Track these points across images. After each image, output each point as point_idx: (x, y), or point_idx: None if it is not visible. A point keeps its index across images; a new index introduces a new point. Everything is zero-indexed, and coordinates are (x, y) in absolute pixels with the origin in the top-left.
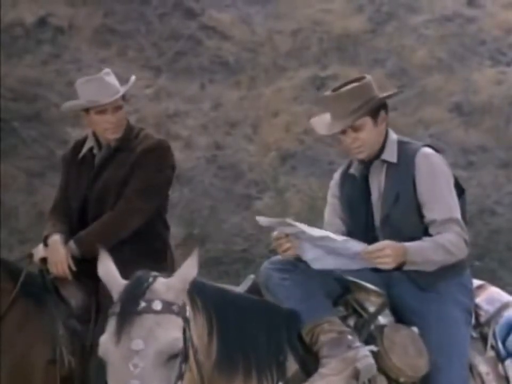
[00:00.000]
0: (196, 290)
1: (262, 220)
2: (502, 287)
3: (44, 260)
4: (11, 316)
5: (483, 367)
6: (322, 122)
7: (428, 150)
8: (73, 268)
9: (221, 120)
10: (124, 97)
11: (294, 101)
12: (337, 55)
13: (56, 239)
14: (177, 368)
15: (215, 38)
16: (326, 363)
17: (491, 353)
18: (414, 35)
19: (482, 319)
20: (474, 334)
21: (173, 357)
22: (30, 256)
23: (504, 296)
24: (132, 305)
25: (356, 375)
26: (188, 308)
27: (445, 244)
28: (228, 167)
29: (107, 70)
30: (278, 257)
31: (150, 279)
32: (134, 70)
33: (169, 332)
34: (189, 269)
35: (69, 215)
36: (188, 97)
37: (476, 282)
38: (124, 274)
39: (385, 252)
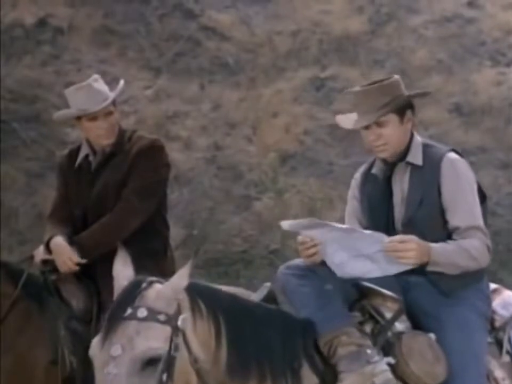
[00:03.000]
0: (202, 297)
1: (286, 225)
2: None
3: (45, 262)
4: (12, 317)
5: (499, 373)
6: (347, 118)
7: (454, 156)
8: (82, 261)
9: (221, 121)
10: (114, 102)
11: (294, 102)
12: (337, 56)
13: (58, 240)
14: (156, 377)
15: (215, 38)
16: (344, 378)
17: (506, 358)
18: (414, 36)
19: (497, 323)
20: (489, 339)
21: (150, 365)
22: (31, 257)
23: None
24: (119, 311)
25: None
26: (183, 317)
27: (469, 248)
28: (227, 167)
29: (96, 76)
30: (295, 261)
31: (144, 285)
32: (134, 70)
33: (149, 340)
34: (180, 279)
35: (69, 219)
36: (188, 98)
37: (491, 286)
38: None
39: (410, 245)
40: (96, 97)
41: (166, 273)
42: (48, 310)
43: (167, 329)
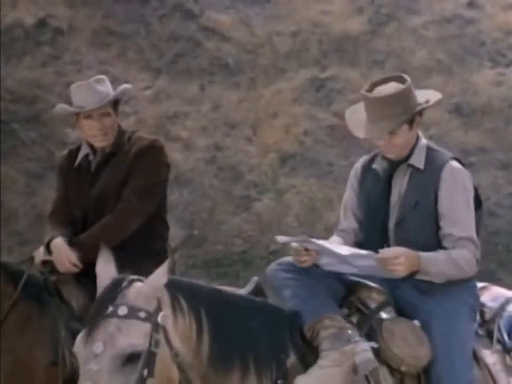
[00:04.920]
0: (183, 292)
1: (281, 239)
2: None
3: (45, 263)
4: (13, 318)
5: (490, 359)
6: (358, 123)
7: (456, 165)
8: (79, 265)
9: (221, 121)
10: (116, 105)
11: (294, 102)
12: (337, 57)
13: (58, 241)
14: (137, 372)
15: (215, 39)
16: (325, 355)
17: (498, 346)
18: (414, 36)
19: (487, 316)
20: (481, 332)
21: (130, 362)
22: (31, 258)
23: (507, 292)
24: (101, 309)
25: (355, 368)
26: (164, 313)
27: (457, 259)
28: (227, 168)
29: (101, 76)
30: (286, 259)
31: (125, 283)
32: (134, 71)
33: (129, 337)
34: (159, 277)
35: (69, 220)
36: (188, 99)
37: (479, 284)
38: (124, 274)
39: (399, 260)
40: (94, 96)
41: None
42: (48, 310)
43: (147, 326)
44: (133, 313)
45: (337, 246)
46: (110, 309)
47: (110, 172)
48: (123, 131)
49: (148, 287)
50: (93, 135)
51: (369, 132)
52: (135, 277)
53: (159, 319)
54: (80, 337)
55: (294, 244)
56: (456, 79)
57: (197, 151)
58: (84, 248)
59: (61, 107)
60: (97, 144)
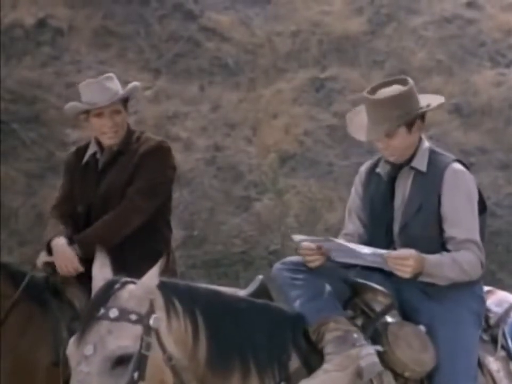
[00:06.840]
0: (178, 295)
1: (298, 238)
2: (502, 289)
3: (47, 264)
4: (14, 319)
5: (493, 366)
6: (359, 126)
7: (458, 167)
8: (81, 268)
9: (221, 121)
10: (125, 103)
11: (294, 103)
12: (337, 57)
13: (60, 242)
14: (127, 375)
15: (215, 39)
16: (330, 359)
17: (502, 353)
18: (414, 37)
19: (492, 321)
20: (485, 337)
21: (120, 364)
22: (34, 265)
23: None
24: (94, 311)
25: (360, 373)
26: (156, 316)
27: (462, 262)
28: (227, 168)
29: (110, 74)
30: (290, 258)
31: (117, 286)
32: (134, 71)
33: (119, 340)
34: (151, 278)
35: (71, 216)
36: (187, 99)
37: (484, 288)
38: (126, 275)
39: (408, 262)
40: (105, 93)
41: (168, 274)
42: (50, 311)
43: (138, 329)
44: (123, 315)
45: (358, 245)
46: (102, 311)
47: (117, 170)
48: (132, 131)
49: (140, 289)
50: (103, 132)
51: (368, 133)
52: (128, 279)
53: (151, 321)
54: (73, 339)
55: (305, 244)
56: (456, 79)
57: (196, 151)
58: (84, 245)
59: (71, 105)
60: (107, 141)
